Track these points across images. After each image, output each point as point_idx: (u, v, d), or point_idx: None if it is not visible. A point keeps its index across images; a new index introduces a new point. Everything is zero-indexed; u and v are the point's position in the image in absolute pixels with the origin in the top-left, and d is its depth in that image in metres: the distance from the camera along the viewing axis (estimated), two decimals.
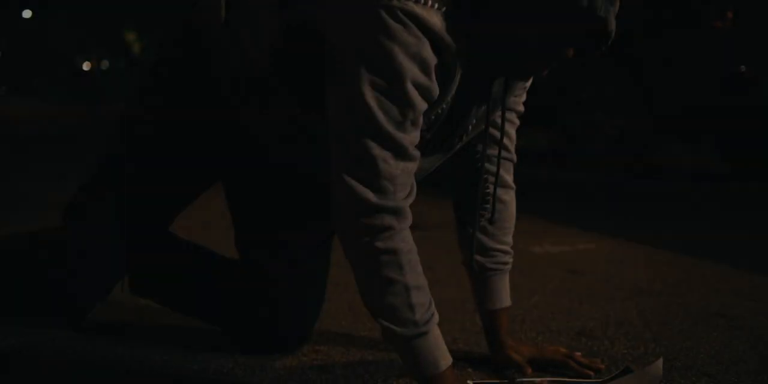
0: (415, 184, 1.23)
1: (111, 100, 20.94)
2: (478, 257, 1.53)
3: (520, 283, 2.26)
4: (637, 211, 3.97)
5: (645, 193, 4.74)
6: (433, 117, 1.25)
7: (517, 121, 1.53)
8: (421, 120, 1.19)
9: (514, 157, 1.55)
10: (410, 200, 1.21)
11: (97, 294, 1.62)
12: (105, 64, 38.43)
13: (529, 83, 1.50)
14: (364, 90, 1.14)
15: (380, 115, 1.14)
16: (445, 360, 1.23)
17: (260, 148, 1.48)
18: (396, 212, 1.17)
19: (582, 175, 5.61)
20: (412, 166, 1.20)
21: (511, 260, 1.57)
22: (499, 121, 1.45)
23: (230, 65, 1.39)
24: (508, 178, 1.55)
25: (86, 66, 39.83)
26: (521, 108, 1.53)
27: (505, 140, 1.50)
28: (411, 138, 1.18)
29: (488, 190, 1.51)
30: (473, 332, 1.78)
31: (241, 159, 1.53)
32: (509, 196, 1.55)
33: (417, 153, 1.20)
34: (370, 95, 1.13)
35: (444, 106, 1.24)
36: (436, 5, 1.13)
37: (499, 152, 1.47)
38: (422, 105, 1.17)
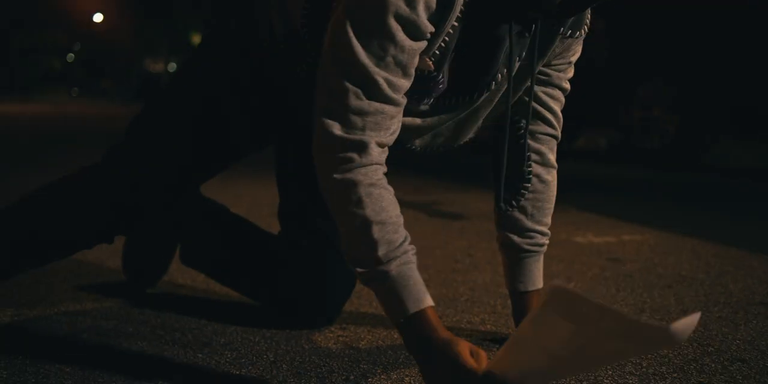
0: (398, 129, 1.20)
1: None
2: (514, 237, 1.51)
3: (558, 270, 2.25)
4: (689, 205, 3.88)
5: (699, 188, 4.62)
6: (437, 52, 1.23)
7: (562, 99, 1.50)
8: (412, 61, 1.17)
9: (558, 135, 1.51)
10: (384, 140, 1.17)
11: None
12: (172, 66, 39.26)
13: (574, 58, 1.47)
14: (347, 23, 1.14)
15: (359, 48, 1.13)
16: (416, 304, 1.13)
17: (299, 113, 1.49)
18: (359, 147, 1.15)
19: (636, 171, 5.51)
20: (390, 109, 1.17)
21: (547, 242, 1.54)
22: (540, 92, 1.44)
23: (273, 27, 1.42)
24: (551, 156, 1.51)
25: (154, 68, 40.79)
26: (567, 85, 1.49)
27: (548, 115, 1.47)
28: (392, 78, 1.15)
29: (530, 168, 1.49)
30: (503, 314, 1.77)
31: (283, 127, 1.55)
32: (551, 176, 1.52)
33: (398, 97, 1.17)
34: (351, 28, 1.13)
35: (446, 38, 1.22)
36: None
37: (527, 123, 1.44)
38: (406, 42, 1.14)
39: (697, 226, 3.08)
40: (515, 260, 1.51)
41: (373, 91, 1.14)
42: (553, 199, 1.55)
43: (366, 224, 1.13)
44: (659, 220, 3.20)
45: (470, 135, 1.49)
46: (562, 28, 1.37)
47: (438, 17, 1.17)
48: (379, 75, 1.14)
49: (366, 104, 1.14)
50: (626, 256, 2.46)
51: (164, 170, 1.50)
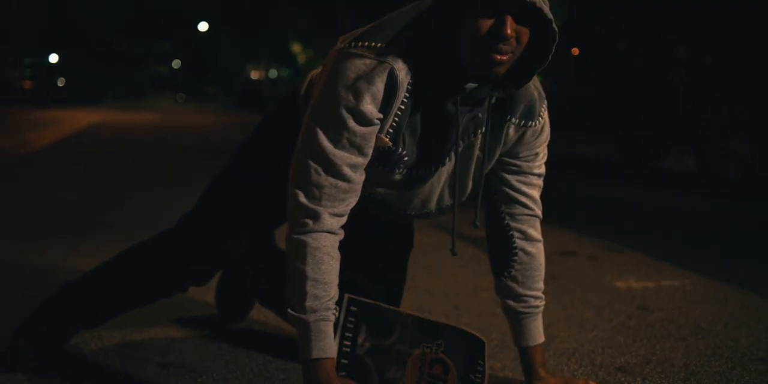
0: (352, 202, 1.50)
1: None
2: (510, 302, 1.77)
3: (587, 317, 2.49)
4: (749, 245, 3.97)
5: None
6: (391, 130, 1.51)
7: (539, 182, 1.74)
8: (366, 142, 1.47)
9: (539, 214, 1.76)
10: (338, 210, 1.47)
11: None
12: (273, 73, 40.39)
13: (541, 148, 1.69)
14: (312, 113, 1.49)
15: (320, 134, 1.46)
16: (318, 352, 1.44)
17: None
18: (314, 216, 1.45)
19: (711, 202, 5.57)
20: (344, 185, 1.47)
21: (541, 303, 1.79)
22: (514, 180, 1.69)
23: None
24: (533, 232, 1.76)
25: (254, 75, 42.11)
26: (540, 170, 1.72)
27: (525, 199, 1.71)
28: (349, 157, 1.46)
29: (515, 245, 1.75)
30: None
31: None
32: (535, 248, 1.77)
33: (353, 175, 1.47)
34: (314, 117, 1.48)
35: (396, 119, 1.50)
36: (379, 44, 1.46)
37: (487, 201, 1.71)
38: (357, 128, 1.45)
39: (744, 272, 3.20)
40: (515, 321, 1.78)
41: (330, 169, 1.46)
42: (541, 266, 1.79)
43: (303, 278, 1.46)
44: (708, 264, 3.34)
45: (457, 198, 1.70)
46: (509, 116, 1.60)
47: (385, 102, 1.47)
48: (336, 156, 1.45)
49: (323, 179, 1.46)
50: (656, 305, 2.68)
51: (230, 233, 1.84)
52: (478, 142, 1.61)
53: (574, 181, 6.77)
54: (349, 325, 1.56)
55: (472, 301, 2.69)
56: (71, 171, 6.92)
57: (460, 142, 1.59)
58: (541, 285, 1.79)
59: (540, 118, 1.65)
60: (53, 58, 36.57)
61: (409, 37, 1.49)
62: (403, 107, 1.50)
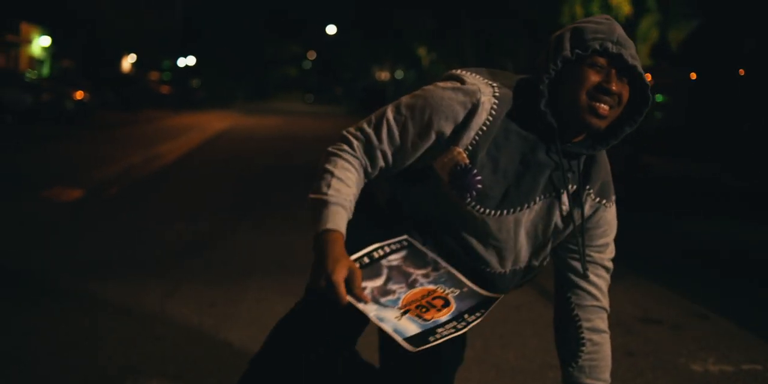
0: (375, 171, 1.68)
1: None
2: None
3: None
4: None
5: None
6: (470, 147, 1.62)
7: (606, 276, 1.78)
8: (415, 131, 1.63)
9: (606, 306, 1.79)
10: (364, 161, 1.66)
11: None
12: (399, 73, 40.83)
13: (610, 238, 1.75)
14: (412, 94, 1.70)
15: (393, 105, 1.68)
16: (328, 225, 1.55)
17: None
18: (349, 143, 1.67)
19: None
20: (370, 145, 1.66)
21: None
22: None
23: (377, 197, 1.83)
24: (600, 323, 1.79)
25: (381, 76, 42.67)
26: (609, 264, 1.78)
27: (594, 290, 1.76)
28: (395, 129, 1.65)
29: (583, 335, 1.78)
30: None
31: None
32: (602, 338, 1.79)
33: (380, 145, 1.66)
34: (405, 97, 1.69)
35: (477, 138, 1.61)
36: (480, 78, 1.65)
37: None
38: (418, 118, 1.63)
39: None
40: None
41: (377, 126, 1.67)
42: (607, 357, 1.81)
43: (330, 174, 1.62)
44: None
45: (531, 261, 1.78)
46: (588, 186, 1.68)
47: (464, 119, 1.60)
48: (387, 121, 1.66)
49: (369, 130, 1.68)
50: None
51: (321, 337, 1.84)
52: (560, 204, 1.69)
53: (685, 217, 6.54)
54: (393, 246, 1.68)
55: (537, 380, 2.69)
56: (188, 192, 7.28)
57: (540, 196, 1.67)
58: (607, 376, 1.80)
59: (611, 203, 1.74)
60: (190, 60, 38.21)
61: (511, 85, 1.65)
62: (485, 129, 1.61)
